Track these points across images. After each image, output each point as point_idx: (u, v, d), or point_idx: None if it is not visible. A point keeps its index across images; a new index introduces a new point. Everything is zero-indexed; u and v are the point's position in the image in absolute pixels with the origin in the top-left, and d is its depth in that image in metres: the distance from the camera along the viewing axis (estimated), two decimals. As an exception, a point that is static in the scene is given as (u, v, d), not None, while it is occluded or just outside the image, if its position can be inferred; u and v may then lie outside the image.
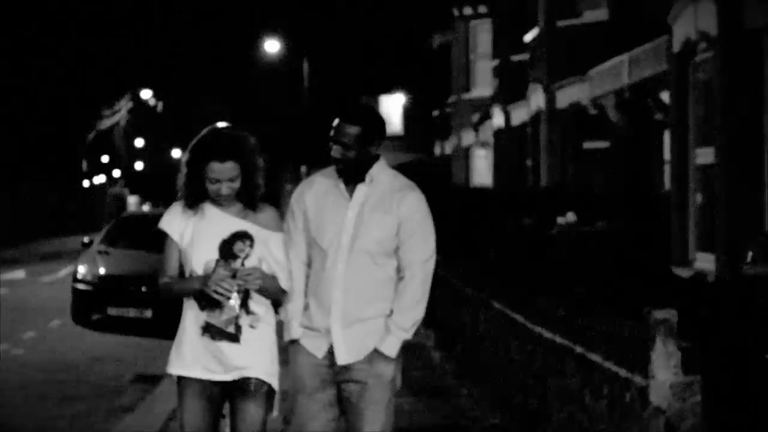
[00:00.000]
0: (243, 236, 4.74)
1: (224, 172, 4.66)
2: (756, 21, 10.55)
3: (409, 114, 44.64)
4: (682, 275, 11.52)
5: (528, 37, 22.74)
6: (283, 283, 4.81)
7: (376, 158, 4.87)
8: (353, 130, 4.78)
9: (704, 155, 12.15)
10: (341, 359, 4.84)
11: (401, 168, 7.23)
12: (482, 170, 31.48)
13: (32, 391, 10.03)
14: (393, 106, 44.76)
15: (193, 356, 4.75)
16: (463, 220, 14.97)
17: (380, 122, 4.91)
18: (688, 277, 11.20)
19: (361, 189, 4.86)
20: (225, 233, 4.73)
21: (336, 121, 4.83)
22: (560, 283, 10.94)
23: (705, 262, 11.70)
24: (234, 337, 4.73)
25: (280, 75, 52.68)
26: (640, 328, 5.10)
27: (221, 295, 4.59)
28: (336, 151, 4.81)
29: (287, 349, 4.96)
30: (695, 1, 11.78)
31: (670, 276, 11.62)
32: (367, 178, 4.85)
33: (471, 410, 8.42)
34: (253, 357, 4.74)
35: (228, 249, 4.72)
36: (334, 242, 4.82)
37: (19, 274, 23.98)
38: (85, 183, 63.77)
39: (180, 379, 4.81)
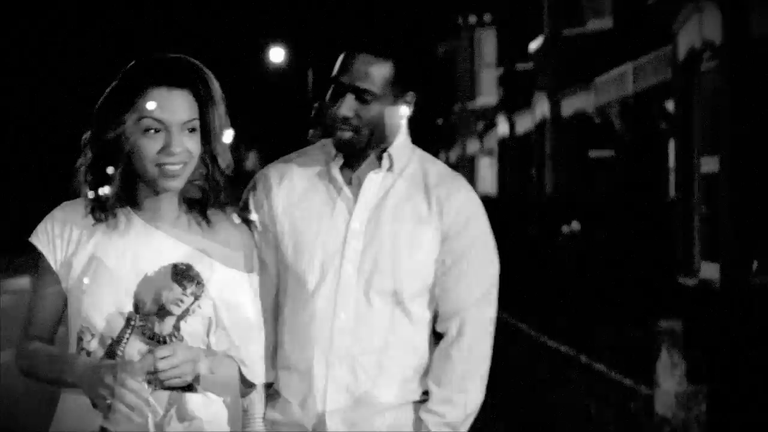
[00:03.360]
0: (184, 274, 2.57)
1: (174, 111, 2.52)
2: (762, 29, 10.54)
3: (413, 123, 44.62)
4: (688, 284, 11.51)
5: (533, 46, 22.74)
6: (256, 372, 2.69)
7: (396, 130, 2.87)
8: (379, 69, 2.78)
9: (709, 164, 12.13)
10: None
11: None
12: (487, 179, 31.48)
13: (37, 398, 10.02)
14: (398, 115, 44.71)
15: None
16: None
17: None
18: (694, 286, 11.19)
19: (373, 180, 2.84)
20: (152, 265, 2.57)
21: (344, 55, 2.81)
22: (565, 292, 10.92)
23: (710, 271, 11.67)
24: None
25: (284, 83, 52.79)
26: (645, 337, 5.09)
27: (132, 408, 2.43)
28: (344, 107, 2.77)
29: None
30: (700, 10, 11.77)
31: (675, 285, 11.60)
32: (384, 161, 2.85)
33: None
34: None
35: (154, 297, 2.55)
36: (329, 275, 2.80)
37: (23, 282, 23.98)
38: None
39: None
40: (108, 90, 2.58)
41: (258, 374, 2.67)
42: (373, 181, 2.85)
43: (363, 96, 2.77)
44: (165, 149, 2.51)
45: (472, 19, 31.44)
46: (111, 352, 2.54)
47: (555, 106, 20.81)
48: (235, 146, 2.70)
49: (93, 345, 2.58)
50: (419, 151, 2.94)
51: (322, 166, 2.88)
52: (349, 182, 2.85)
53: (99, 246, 2.59)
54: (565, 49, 20.31)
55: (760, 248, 9.85)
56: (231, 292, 2.60)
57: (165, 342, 2.53)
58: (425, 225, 2.82)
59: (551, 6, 20.66)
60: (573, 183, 20.13)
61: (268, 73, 52.07)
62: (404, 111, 2.87)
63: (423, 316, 2.84)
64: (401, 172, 2.86)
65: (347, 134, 2.79)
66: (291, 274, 2.84)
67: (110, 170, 2.56)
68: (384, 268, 2.79)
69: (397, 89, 2.82)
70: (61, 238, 2.61)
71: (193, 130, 2.55)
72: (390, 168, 2.86)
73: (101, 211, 2.59)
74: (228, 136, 2.63)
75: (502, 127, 26.97)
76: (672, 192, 15.28)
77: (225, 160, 2.61)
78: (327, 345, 2.79)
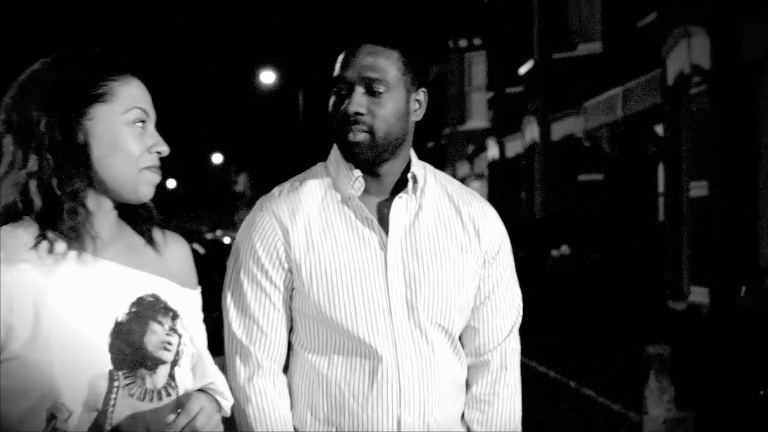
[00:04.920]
0: (155, 308, 2.08)
1: (149, 101, 2.12)
2: (749, 54, 10.58)
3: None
4: (677, 308, 11.51)
5: (523, 70, 22.81)
6: (228, 400, 2.23)
7: (410, 137, 2.53)
8: (387, 58, 2.44)
9: (698, 188, 12.16)
10: None
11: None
12: (477, 202, 31.47)
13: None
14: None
15: None
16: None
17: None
18: (682, 310, 11.19)
19: (401, 205, 2.48)
20: (118, 306, 2.03)
21: (345, 52, 2.46)
22: (554, 315, 10.91)
23: (699, 295, 11.68)
24: None
25: (275, 105, 52.82)
26: (634, 362, 5.08)
27: None
28: (353, 102, 2.41)
29: None
30: (689, 35, 11.83)
31: (664, 309, 11.61)
32: (410, 179, 2.49)
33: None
34: None
35: (135, 345, 2.03)
36: (379, 321, 2.42)
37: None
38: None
39: None
40: (53, 75, 2.02)
41: (228, 401, 2.21)
42: (402, 206, 2.47)
43: (373, 87, 2.40)
44: (155, 145, 2.07)
45: (463, 42, 31.54)
46: (97, 426, 1.98)
47: (545, 130, 20.86)
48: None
49: (72, 423, 1.96)
50: (428, 166, 2.61)
51: (335, 192, 2.48)
52: (371, 206, 2.48)
53: (44, 292, 1.95)
54: (554, 73, 20.37)
55: (749, 273, 9.86)
56: (194, 316, 2.17)
57: (161, 398, 2.04)
58: (466, 252, 2.50)
59: (541, 30, 20.74)
60: (563, 207, 20.15)
61: (259, 96, 52.10)
62: (419, 112, 2.51)
63: (463, 354, 2.55)
64: (422, 192, 2.51)
65: (361, 135, 2.40)
66: (324, 325, 2.42)
67: (74, 181, 2.01)
68: (434, 304, 2.44)
69: (407, 83, 2.46)
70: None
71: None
72: (414, 188, 2.48)
73: (71, 239, 1.99)
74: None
75: (492, 151, 27.02)
76: (661, 216, 15.31)
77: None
78: (396, 402, 2.41)
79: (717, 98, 11.12)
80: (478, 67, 31.01)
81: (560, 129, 20.10)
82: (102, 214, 2.06)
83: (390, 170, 2.47)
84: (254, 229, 2.47)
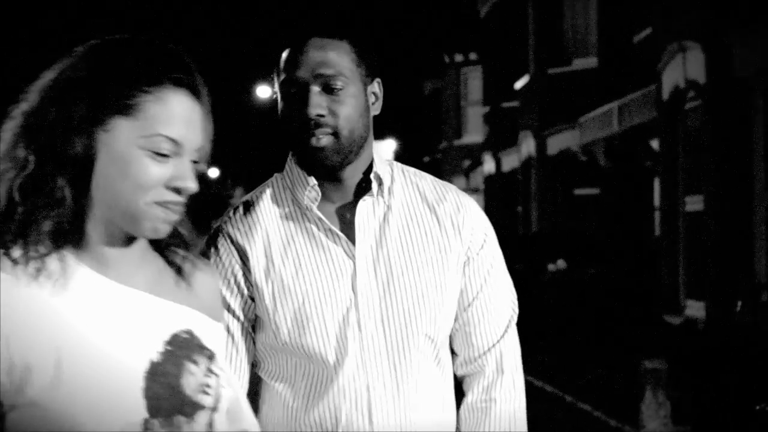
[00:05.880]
0: (190, 346, 1.74)
1: (194, 125, 1.71)
2: (744, 69, 10.62)
3: (399, 160, 44.68)
4: (673, 323, 11.52)
5: (519, 84, 22.86)
6: None
7: (370, 132, 2.29)
8: (337, 50, 2.20)
9: (694, 203, 12.18)
10: None
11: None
12: (473, 216, 31.50)
13: None
14: (384, 153, 44.90)
15: None
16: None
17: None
18: (679, 324, 11.20)
19: (365, 209, 2.25)
20: (150, 343, 1.69)
21: (289, 50, 2.22)
22: (550, 330, 10.91)
23: (695, 309, 11.69)
24: None
25: (271, 120, 52.83)
26: (630, 377, 5.08)
27: None
28: (312, 104, 2.16)
29: None
30: (684, 50, 11.86)
31: (660, 323, 11.62)
32: (373, 183, 2.25)
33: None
34: None
35: (171, 389, 1.69)
36: (349, 342, 2.18)
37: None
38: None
39: None
40: (64, 74, 1.68)
41: None
42: (367, 209, 2.23)
43: (331, 84, 2.16)
44: (175, 179, 1.68)
45: (459, 57, 31.61)
46: None
47: (541, 144, 20.89)
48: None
49: None
50: (396, 163, 2.38)
51: (292, 206, 2.25)
52: (331, 214, 2.24)
53: (68, 324, 1.62)
54: (550, 87, 20.42)
55: (745, 287, 9.87)
56: (222, 351, 1.87)
57: None
58: (446, 251, 2.26)
59: (537, 45, 20.79)
60: (559, 221, 20.17)
61: (255, 110, 52.26)
62: (376, 105, 2.28)
63: (449, 362, 2.31)
64: (390, 192, 2.27)
65: (325, 139, 2.16)
66: (291, 354, 2.20)
67: (64, 192, 1.66)
68: (412, 314, 2.20)
69: (362, 74, 2.21)
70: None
71: (202, 156, 1.75)
72: (380, 191, 2.25)
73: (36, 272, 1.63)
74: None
75: (488, 165, 27.05)
76: (657, 230, 15.32)
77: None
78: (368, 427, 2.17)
79: (712, 113, 11.15)
80: (474, 82, 31.06)
81: (556, 143, 20.13)
82: (122, 237, 1.72)
83: (353, 173, 2.23)
84: (209, 255, 2.21)
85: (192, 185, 1.69)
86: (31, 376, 1.57)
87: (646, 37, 15.76)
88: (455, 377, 2.34)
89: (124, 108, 1.65)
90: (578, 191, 20.01)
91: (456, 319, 2.29)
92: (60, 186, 1.64)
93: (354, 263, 2.20)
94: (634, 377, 5.04)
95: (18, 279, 1.60)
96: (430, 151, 38.01)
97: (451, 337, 2.31)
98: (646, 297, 12.82)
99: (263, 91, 44.68)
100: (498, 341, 2.31)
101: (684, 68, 11.89)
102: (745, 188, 10.71)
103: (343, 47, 2.19)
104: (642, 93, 15.08)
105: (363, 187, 2.25)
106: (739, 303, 8.93)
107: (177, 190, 1.69)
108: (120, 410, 1.62)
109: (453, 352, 2.33)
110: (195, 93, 1.71)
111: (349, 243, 2.21)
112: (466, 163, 30.76)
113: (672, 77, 12.48)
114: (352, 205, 2.24)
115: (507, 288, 2.38)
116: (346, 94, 2.18)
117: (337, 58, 2.18)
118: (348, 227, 2.22)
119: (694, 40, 11.48)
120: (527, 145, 21.99)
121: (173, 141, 1.67)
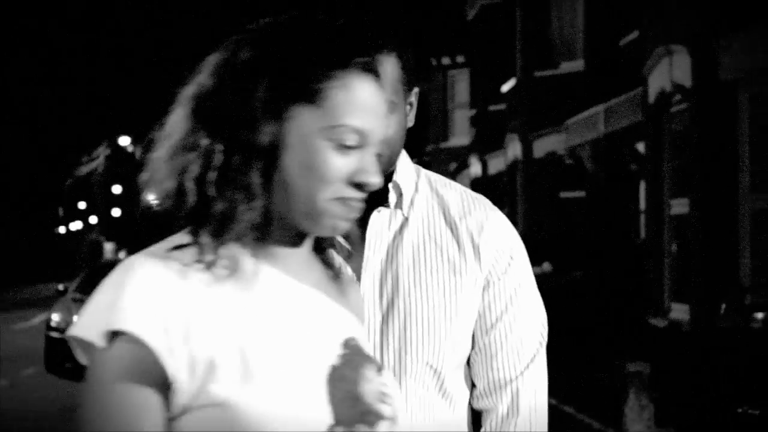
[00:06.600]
0: (360, 352, 1.62)
1: (377, 122, 1.58)
2: (730, 73, 10.65)
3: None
4: (658, 325, 11.54)
5: (505, 87, 22.89)
6: None
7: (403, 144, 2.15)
8: (389, 66, 2.00)
9: (679, 206, 12.21)
10: None
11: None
12: (459, 219, 31.52)
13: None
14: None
15: None
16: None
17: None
18: (663, 327, 11.22)
19: (378, 223, 2.07)
20: (330, 347, 1.58)
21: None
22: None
23: (680, 312, 11.71)
24: None
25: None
26: (614, 379, 5.08)
27: None
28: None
29: None
30: (670, 54, 11.89)
31: (645, 326, 11.63)
32: (390, 194, 2.08)
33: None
34: None
35: (354, 397, 1.55)
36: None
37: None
38: (62, 229, 63.53)
39: None
40: (240, 56, 1.55)
41: None
42: (379, 223, 2.04)
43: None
44: (359, 173, 1.56)
45: (446, 60, 31.63)
46: None
47: (527, 147, 20.92)
48: None
49: None
50: (424, 172, 2.14)
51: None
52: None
53: (244, 324, 1.50)
54: (537, 90, 20.44)
55: (729, 290, 9.89)
56: None
57: None
58: (461, 274, 2.03)
59: (524, 48, 20.82)
60: (544, 224, 20.19)
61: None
62: (411, 116, 2.09)
63: (462, 393, 2.07)
64: (411, 204, 2.06)
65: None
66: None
67: (255, 178, 1.52)
68: (417, 341, 1.99)
69: (405, 90, 2.03)
70: (177, 329, 1.46)
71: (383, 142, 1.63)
72: (399, 202, 2.06)
73: (210, 266, 1.52)
74: None
75: (475, 168, 27.07)
76: (642, 233, 15.35)
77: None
78: None
79: (698, 116, 11.18)
80: (460, 85, 31.10)
81: (542, 146, 20.16)
82: (294, 234, 1.61)
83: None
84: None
85: (376, 180, 1.57)
86: (216, 372, 1.45)
87: (632, 41, 15.80)
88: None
89: (308, 94, 1.52)
90: (564, 194, 20.04)
91: (474, 345, 2.07)
92: (254, 180, 1.51)
93: (359, 282, 1.99)
94: (618, 380, 5.04)
95: (204, 275, 1.50)
96: (417, 153, 38.03)
97: (470, 364, 2.08)
98: (631, 300, 12.84)
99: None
100: (518, 376, 2.06)
101: (670, 71, 11.91)
102: (730, 191, 10.74)
103: (391, 61, 1.97)
104: (628, 96, 15.11)
105: (380, 196, 2.03)
106: (724, 306, 8.95)
107: (359, 186, 1.56)
108: (309, 418, 1.48)
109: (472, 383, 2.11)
110: (379, 78, 1.58)
111: (356, 257, 2.01)
112: (453, 165, 30.79)
113: (658, 80, 12.50)
114: (366, 215, 2.03)
115: (535, 316, 2.12)
116: (391, 120, 1.97)
117: (389, 75, 1.96)
118: (357, 242, 1.97)
119: (680, 44, 11.51)
120: (513, 148, 22.01)
121: (359, 132, 1.54)
